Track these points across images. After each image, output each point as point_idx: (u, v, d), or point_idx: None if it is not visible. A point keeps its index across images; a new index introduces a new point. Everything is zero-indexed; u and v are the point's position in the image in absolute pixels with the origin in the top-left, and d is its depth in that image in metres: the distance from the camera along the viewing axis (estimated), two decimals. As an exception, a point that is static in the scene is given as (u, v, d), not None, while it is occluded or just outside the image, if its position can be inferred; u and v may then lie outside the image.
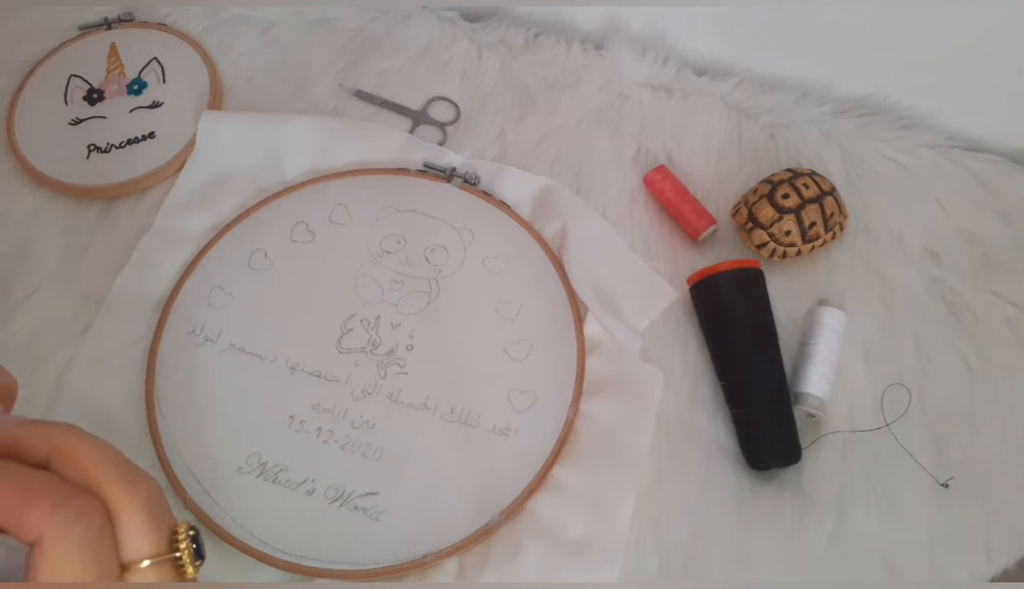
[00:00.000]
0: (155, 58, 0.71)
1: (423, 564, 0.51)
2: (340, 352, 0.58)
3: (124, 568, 0.27)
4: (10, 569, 0.25)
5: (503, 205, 0.65)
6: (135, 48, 0.71)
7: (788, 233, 0.60)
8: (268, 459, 0.54)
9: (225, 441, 0.55)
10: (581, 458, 0.55)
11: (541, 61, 0.73)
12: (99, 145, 0.66)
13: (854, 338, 0.60)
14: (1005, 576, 0.54)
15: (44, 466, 0.27)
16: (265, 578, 0.51)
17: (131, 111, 0.68)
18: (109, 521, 0.26)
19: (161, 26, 0.73)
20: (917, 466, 0.56)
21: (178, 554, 0.27)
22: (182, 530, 0.28)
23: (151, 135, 0.67)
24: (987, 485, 0.56)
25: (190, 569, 0.28)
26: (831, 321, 0.59)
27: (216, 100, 0.69)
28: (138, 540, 0.27)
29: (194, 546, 0.28)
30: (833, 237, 0.63)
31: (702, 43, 0.73)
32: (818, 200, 0.61)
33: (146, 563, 0.27)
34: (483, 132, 0.70)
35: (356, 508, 0.53)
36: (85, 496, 0.26)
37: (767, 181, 0.62)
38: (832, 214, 0.61)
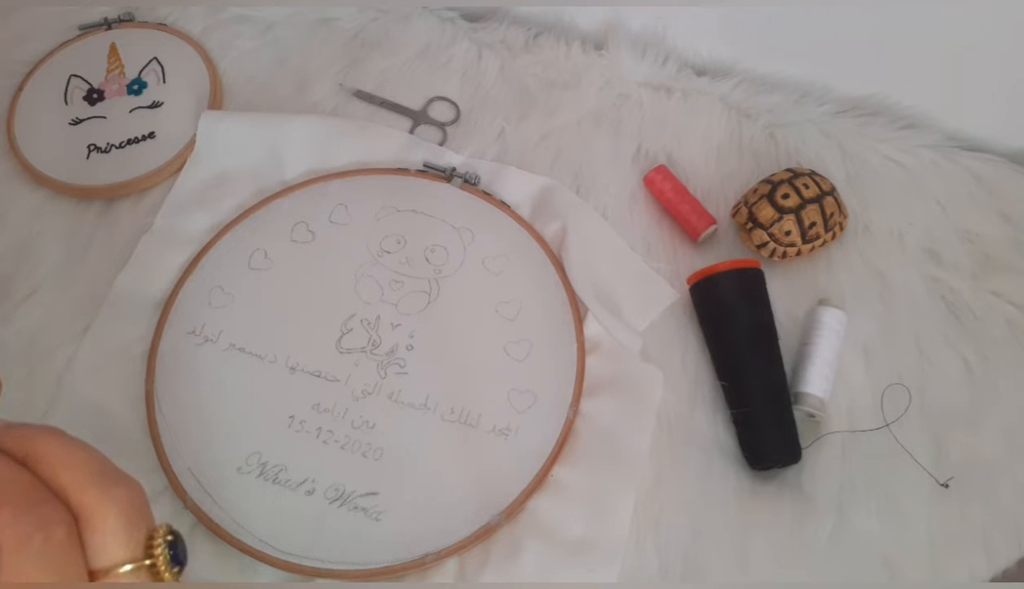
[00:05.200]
0: (155, 58, 0.71)
1: (423, 564, 0.51)
2: (340, 352, 0.58)
3: (98, 574, 0.26)
4: None
5: (503, 205, 0.65)
6: (135, 48, 0.71)
7: (788, 233, 0.60)
8: (268, 459, 0.54)
9: (225, 441, 0.55)
10: (581, 458, 0.55)
11: (541, 61, 0.73)
12: (99, 145, 0.66)
13: (854, 338, 0.60)
14: (1005, 576, 0.54)
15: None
16: (265, 578, 0.51)
17: (131, 111, 0.68)
18: (75, 530, 0.26)
19: (161, 26, 0.73)
20: (917, 466, 0.56)
21: (150, 562, 0.27)
22: (159, 535, 0.27)
23: (151, 135, 0.67)
24: (987, 485, 0.56)
25: (166, 576, 0.27)
26: (831, 321, 0.59)
27: (216, 100, 0.69)
28: (111, 546, 0.26)
29: (171, 552, 0.27)
30: (833, 237, 0.63)
31: (702, 43, 0.73)
32: (818, 200, 0.61)
33: (122, 569, 0.26)
34: (483, 132, 0.70)
35: (356, 508, 0.53)
36: (51, 504, 0.25)
37: (767, 181, 0.62)
38: (832, 214, 0.61)
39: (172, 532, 0.28)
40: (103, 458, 0.28)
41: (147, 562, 0.27)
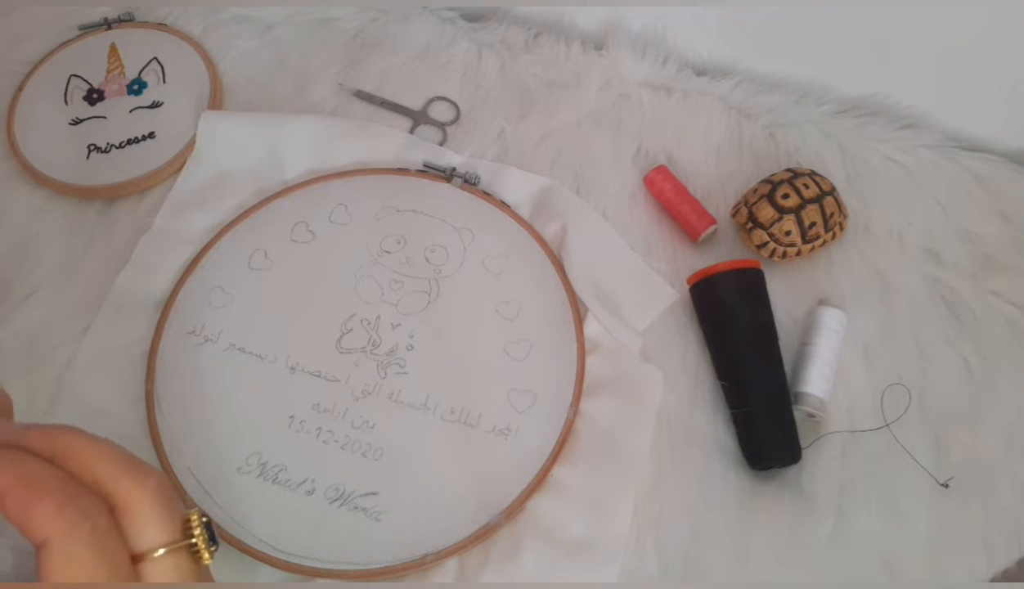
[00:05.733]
0: (155, 58, 0.71)
1: (423, 564, 0.51)
2: (340, 352, 0.58)
3: (139, 559, 0.27)
4: (19, 570, 0.26)
5: (503, 205, 0.65)
6: (135, 48, 0.71)
7: (788, 233, 0.60)
8: (268, 459, 0.54)
9: (225, 441, 0.55)
10: (581, 458, 0.55)
11: (541, 61, 0.73)
12: (99, 145, 0.66)
13: (854, 338, 0.60)
14: (1005, 576, 0.54)
15: None
16: (265, 578, 0.51)
17: (131, 111, 0.68)
18: (114, 518, 0.27)
19: (161, 26, 0.73)
20: (917, 466, 0.56)
21: (193, 540, 0.28)
22: (195, 517, 0.29)
23: (151, 135, 0.67)
24: (987, 485, 0.56)
25: (206, 554, 0.28)
26: (831, 321, 0.59)
27: (216, 100, 0.69)
28: (151, 530, 0.27)
29: (207, 532, 0.29)
30: (833, 237, 0.63)
31: (702, 43, 0.73)
32: (818, 200, 0.61)
33: (161, 551, 0.27)
34: (483, 132, 0.69)
35: (356, 508, 0.53)
36: (89, 495, 0.26)
37: (767, 181, 0.63)
38: (832, 214, 0.61)
39: (204, 514, 0.29)
40: (127, 451, 0.29)
41: (191, 541, 0.28)
